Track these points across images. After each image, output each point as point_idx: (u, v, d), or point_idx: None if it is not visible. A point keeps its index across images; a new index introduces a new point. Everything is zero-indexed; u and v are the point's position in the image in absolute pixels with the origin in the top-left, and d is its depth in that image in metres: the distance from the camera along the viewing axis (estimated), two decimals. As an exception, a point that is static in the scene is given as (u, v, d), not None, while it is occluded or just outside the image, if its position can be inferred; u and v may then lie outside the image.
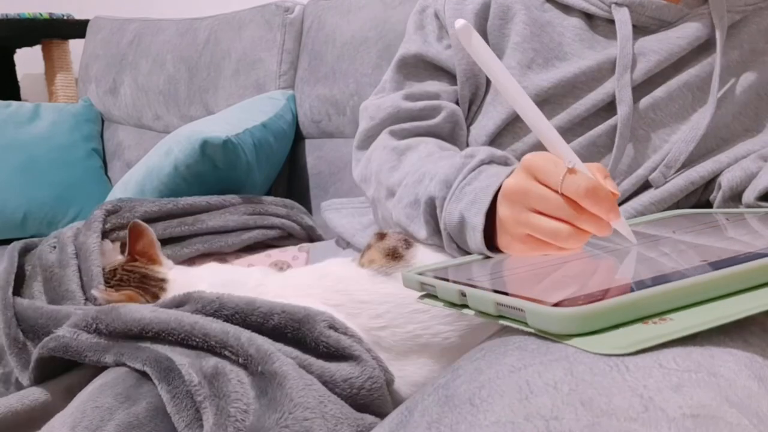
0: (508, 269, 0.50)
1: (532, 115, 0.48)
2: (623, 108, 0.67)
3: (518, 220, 0.52)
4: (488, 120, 0.74)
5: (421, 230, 0.66)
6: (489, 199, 0.56)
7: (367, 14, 1.31)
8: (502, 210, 0.54)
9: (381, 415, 0.57)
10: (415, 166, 0.68)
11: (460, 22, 0.45)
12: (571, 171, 0.48)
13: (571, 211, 0.48)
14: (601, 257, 0.50)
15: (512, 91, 0.47)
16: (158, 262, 0.78)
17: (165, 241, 0.95)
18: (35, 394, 0.63)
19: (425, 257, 0.65)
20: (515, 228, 0.53)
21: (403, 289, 0.61)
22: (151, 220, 0.96)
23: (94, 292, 0.76)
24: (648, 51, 0.69)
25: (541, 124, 0.48)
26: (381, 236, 0.67)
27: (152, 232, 0.81)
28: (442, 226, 0.62)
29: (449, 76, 0.78)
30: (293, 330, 0.59)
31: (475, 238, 0.57)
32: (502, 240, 0.56)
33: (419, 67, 0.80)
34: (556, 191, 0.49)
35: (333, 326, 0.59)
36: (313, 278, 0.67)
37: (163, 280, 0.74)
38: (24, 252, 0.92)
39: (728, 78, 0.69)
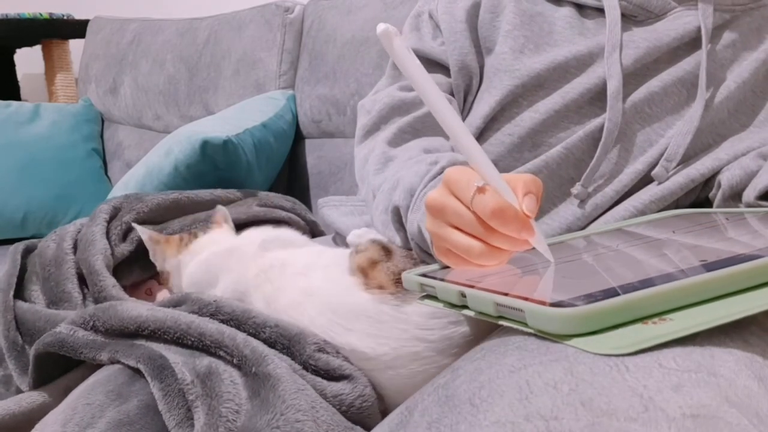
0: (508, 269, 0.50)
1: (453, 125, 0.47)
2: (613, 83, 0.68)
3: (438, 235, 0.51)
4: (483, 105, 0.75)
5: (395, 237, 0.67)
6: None
7: (368, 14, 1.31)
8: (427, 223, 0.54)
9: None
10: (393, 171, 0.69)
11: (380, 27, 0.44)
12: (480, 190, 0.46)
13: (482, 229, 0.47)
14: (601, 257, 0.50)
15: (433, 99, 0.46)
16: (208, 229, 0.82)
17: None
18: (33, 397, 0.63)
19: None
20: (437, 242, 0.53)
21: (396, 308, 0.61)
22: (160, 210, 0.96)
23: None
24: (638, 39, 0.70)
25: (461, 136, 0.47)
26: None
27: (226, 213, 0.85)
28: (409, 236, 0.63)
29: (443, 69, 0.79)
30: (283, 347, 0.59)
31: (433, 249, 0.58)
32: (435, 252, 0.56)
33: None
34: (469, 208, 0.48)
35: (323, 349, 0.58)
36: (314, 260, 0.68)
37: (192, 237, 0.78)
38: (26, 253, 0.91)
39: (722, 75, 0.70)
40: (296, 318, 0.62)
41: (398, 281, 0.59)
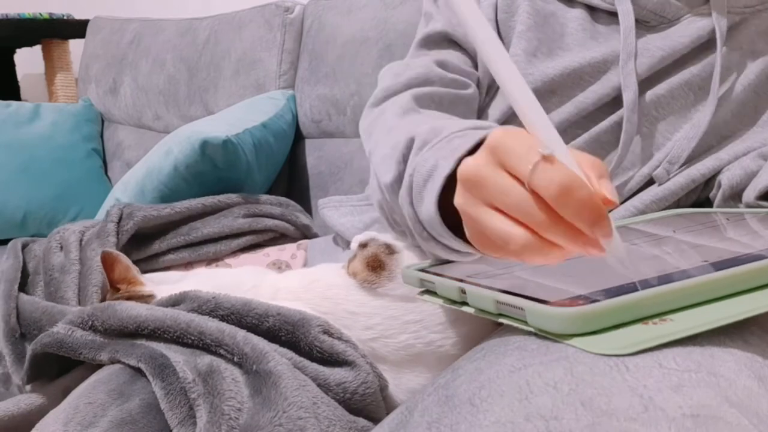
0: (509, 266, 0.50)
1: (511, 81, 0.36)
2: (628, 94, 0.68)
3: (470, 214, 0.40)
4: (495, 110, 0.74)
5: (386, 176, 0.58)
6: (455, 158, 0.46)
7: (368, 14, 1.31)
8: (456, 196, 0.42)
9: (374, 420, 0.57)
10: (419, 119, 0.63)
11: None
12: (546, 159, 0.35)
13: (537, 213, 0.36)
14: (601, 257, 0.50)
15: (492, 51, 0.36)
16: (139, 283, 0.76)
17: (160, 254, 0.97)
18: (32, 398, 0.63)
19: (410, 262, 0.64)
20: (468, 222, 0.42)
21: (393, 300, 0.61)
22: (149, 225, 0.96)
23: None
24: (652, 47, 0.69)
25: (521, 96, 0.36)
26: (363, 245, 0.67)
27: (125, 256, 0.79)
28: (408, 171, 0.53)
29: (473, 60, 0.77)
30: (287, 333, 0.59)
31: (430, 197, 0.48)
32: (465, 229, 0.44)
33: (443, 44, 0.77)
34: (524, 184, 0.36)
35: (328, 331, 0.59)
36: (304, 283, 0.67)
37: (151, 296, 0.72)
38: (23, 248, 0.93)
39: (728, 77, 0.70)
40: None
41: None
